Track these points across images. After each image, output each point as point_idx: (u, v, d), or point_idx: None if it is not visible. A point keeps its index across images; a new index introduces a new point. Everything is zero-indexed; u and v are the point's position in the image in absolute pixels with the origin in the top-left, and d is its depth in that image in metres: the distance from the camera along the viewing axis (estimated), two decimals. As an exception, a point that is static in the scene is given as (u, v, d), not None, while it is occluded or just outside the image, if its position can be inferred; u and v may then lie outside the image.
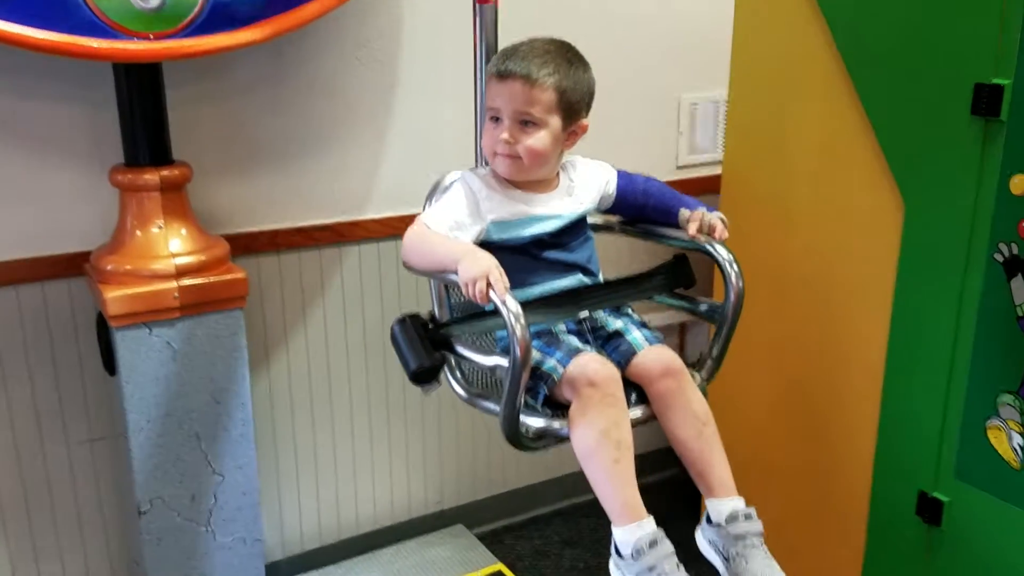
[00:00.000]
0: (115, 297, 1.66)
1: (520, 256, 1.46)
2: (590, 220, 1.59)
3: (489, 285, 1.25)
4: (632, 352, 1.43)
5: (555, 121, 1.43)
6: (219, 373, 1.80)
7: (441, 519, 2.48)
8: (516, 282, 1.44)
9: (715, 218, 1.48)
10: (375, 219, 2.17)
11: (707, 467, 1.41)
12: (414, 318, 1.37)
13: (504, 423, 1.31)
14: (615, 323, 1.49)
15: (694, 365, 1.50)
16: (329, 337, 2.18)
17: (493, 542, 2.46)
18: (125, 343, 1.70)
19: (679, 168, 2.61)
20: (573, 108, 1.44)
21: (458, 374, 1.52)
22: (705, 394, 1.47)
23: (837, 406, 1.97)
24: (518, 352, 1.22)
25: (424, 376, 1.33)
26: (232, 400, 1.82)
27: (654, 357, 1.42)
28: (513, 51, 1.44)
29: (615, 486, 1.31)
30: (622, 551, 1.31)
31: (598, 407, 1.32)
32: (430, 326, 1.37)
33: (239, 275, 1.77)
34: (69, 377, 1.91)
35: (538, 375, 1.38)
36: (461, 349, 1.38)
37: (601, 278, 1.56)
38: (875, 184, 1.79)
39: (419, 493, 2.43)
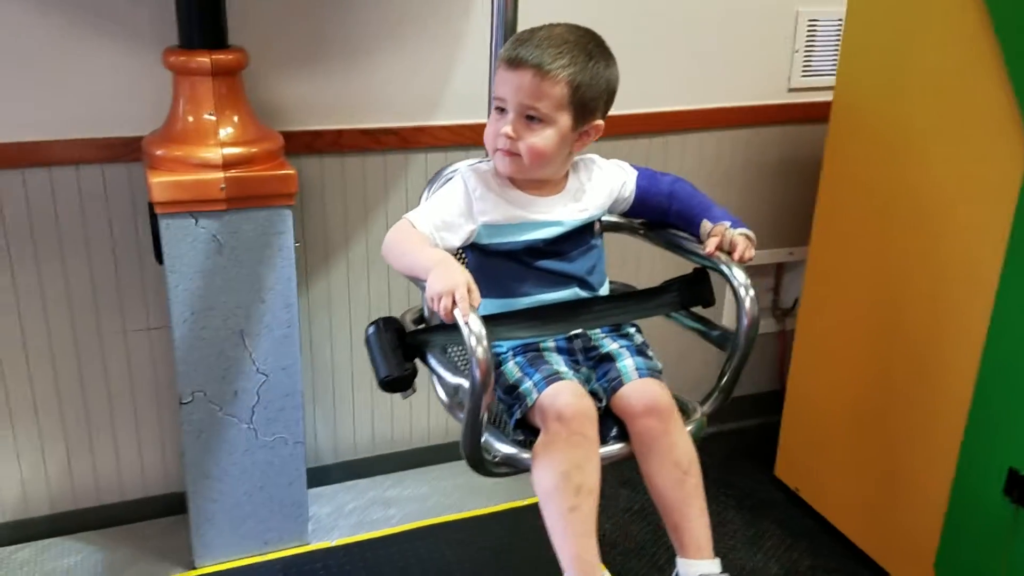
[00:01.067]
0: (160, 183, 1.62)
1: (511, 263, 1.35)
2: (609, 219, 1.47)
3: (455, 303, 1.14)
4: (619, 383, 1.30)
5: (564, 119, 1.29)
6: (265, 271, 1.75)
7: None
8: (505, 291, 1.35)
9: (738, 236, 1.32)
10: (444, 126, 2.05)
11: (683, 521, 1.27)
12: (389, 322, 1.26)
13: (463, 446, 1.20)
14: (610, 345, 1.36)
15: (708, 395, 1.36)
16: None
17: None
18: (170, 232, 1.67)
19: (790, 91, 2.38)
20: (587, 106, 1.30)
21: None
22: (699, 432, 1.32)
23: (935, 358, 1.78)
24: (477, 376, 1.10)
25: (394, 386, 1.23)
26: (278, 300, 1.77)
27: (639, 392, 1.28)
28: (528, 37, 1.29)
29: (567, 536, 1.20)
30: None
31: (563, 446, 1.20)
32: (407, 332, 1.27)
33: (288, 172, 1.70)
34: (127, 264, 1.91)
35: (515, 395, 1.28)
36: (432, 361, 1.27)
37: (604, 291, 1.42)
38: (999, 120, 1.57)
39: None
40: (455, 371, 1.25)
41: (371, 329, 1.24)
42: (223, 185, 1.64)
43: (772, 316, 2.61)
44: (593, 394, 1.31)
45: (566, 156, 1.35)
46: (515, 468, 1.25)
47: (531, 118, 1.28)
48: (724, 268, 1.30)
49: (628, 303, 1.38)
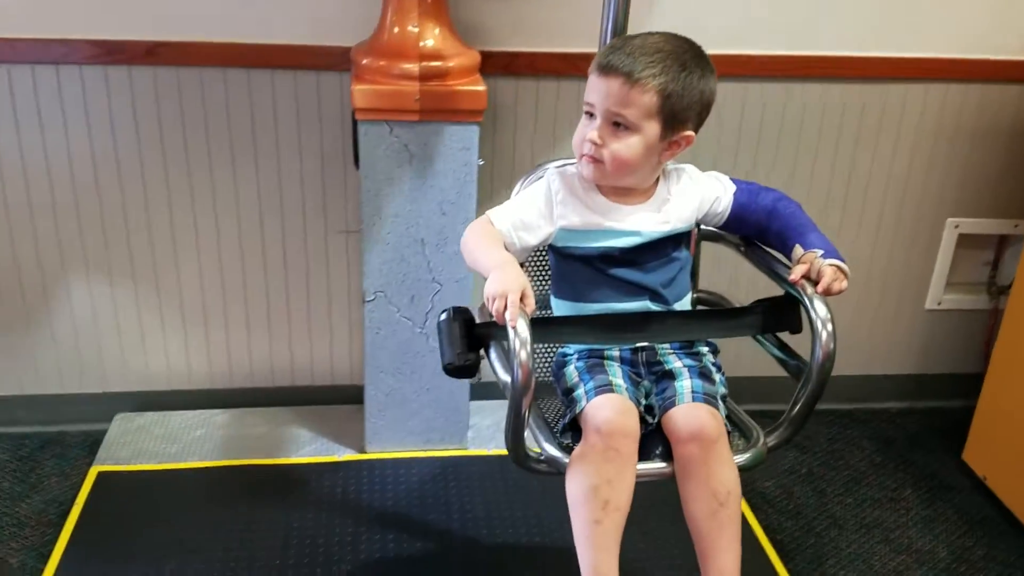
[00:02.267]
0: (361, 91, 1.71)
1: (586, 268, 1.36)
2: (708, 230, 1.45)
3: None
4: (672, 403, 1.28)
5: (652, 128, 1.27)
6: (448, 185, 1.82)
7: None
8: (577, 294, 1.37)
9: (828, 267, 1.26)
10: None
11: (710, 551, 1.26)
12: (460, 312, 1.27)
13: (507, 439, 1.22)
14: (674, 363, 1.34)
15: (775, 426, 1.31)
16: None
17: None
18: (367, 138, 1.77)
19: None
20: (677, 117, 1.28)
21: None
22: (756, 462, 1.29)
23: None
24: (518, 379, 1.13)
25: (455, 373, 1.25)
26: (458, 214, 1.84)
27: (686, 416, 1.26)
28: (622, 44, 1.26)
29: (588, 547, 1.22)
30: None
31: (596, 459, 1.22)
32: (475, 323, 1.27)
33: (478, 88, 1.74)
34: (333, 169, 2.04)
35: (570, 399, 1.31)
36: (492, 355, 1.27)
37: (684, 304, 1.39)
38: None
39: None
40: (508, 368, 1.25)
41: (443, 316, 1.27)
42: (418, 96, 1.71)
43: (987, 292, 2.37)
44: (649, 409, 1.31)
45: (653, 165, 1.34)
46: (555, 470, 1.27)
47: (618, 125, 1.27)
48: (805, 298, 1.26)
49: (701, 321, 1.37)
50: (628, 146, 1.28)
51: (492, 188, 2.09)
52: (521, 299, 1.16)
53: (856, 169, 2.21)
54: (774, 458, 2.19)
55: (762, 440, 1.32)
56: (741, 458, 1.30)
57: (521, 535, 1.84)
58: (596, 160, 1.30)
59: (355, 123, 1.79)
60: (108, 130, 1.94)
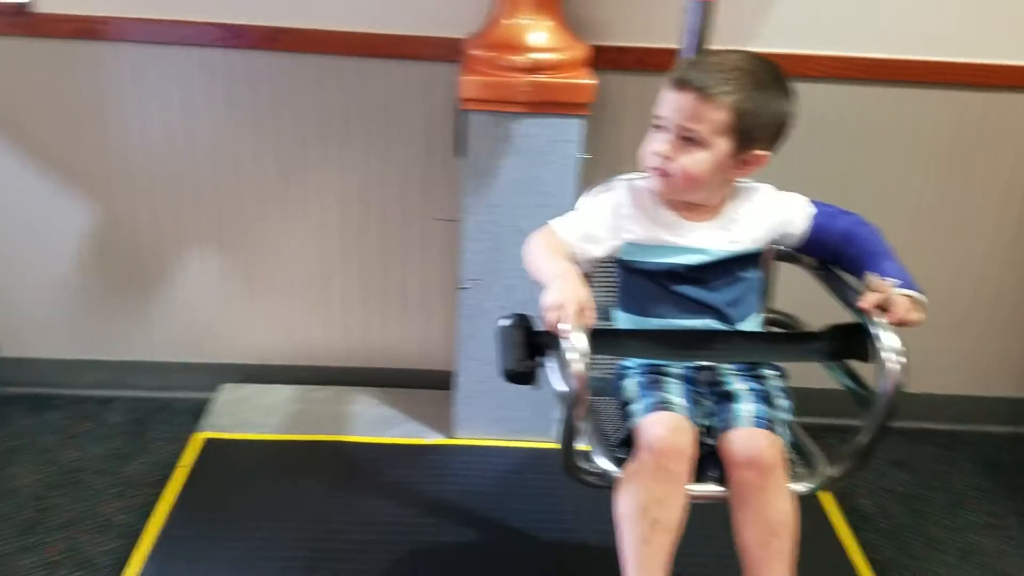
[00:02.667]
0: (469, 81, 1.73)
1: (650, 283, 1.36)
2: (783, 250, 1.43)
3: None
4: (730, 426, 1.27)
5: (722, 144, 1.27)
6: (550, 177, 1.82)
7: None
8: (640, 308, 1.37)
9: (901, 298, 1.22)
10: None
11: None
12: (521, 319, 1.26)
13: (560, 449, 1.23)
14: (736, 384, 1.32)
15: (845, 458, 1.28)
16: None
17: (814, 436, 2.26)
18: (472, 128, 1.79)
19: None
20: (749, 135, 1.27)
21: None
22: (818, 490, 1.27)
23: None
24: (571, 391, 1.14)
25: (513, 379, 1.24)
26: (558, 207, 1.82)
27: (743, 441, 1.24)
28: (699, 60, 1.25)
29: (635, 566, 1.22)
30: None
31: (647, 477, 1.21)
32: (535, 331, 1.25)
33: (585, 82, 1.73)
34: (437, 157, 2.08)
35: (626, 412, 1.31)
36: (549, 364, 1.24)
37: (749, 324, 1.38)
38: None
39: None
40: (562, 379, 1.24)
41: (504, 322, 1.27)
42: (524, 88, 1.72)
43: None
44: (710, 430, 1.28)
45: (721, 182, 1.32)
46: (606, 483, 1.26)
47: (688, 140, 1.26)
48: (873, 329, 1.22)
49: (767, 343, 1.34)
50: (697, 161, 1.28)
51: (594, 181, 2.08)
52: (580, 311, 1.16)
53: (972, 178, 2.10)
54: (875, 475, 2.14)
55: (825, 470, 1.29)
56: (801, 487, 1.28)
57: (605, 533, 1.83)
58: (665, 174, 1.30)
59: (460, 112, 1.81)
60: (226, 111, 2.02)
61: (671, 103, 1.28)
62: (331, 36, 1.94)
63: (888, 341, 1.20)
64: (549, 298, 1.19)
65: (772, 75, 1.29)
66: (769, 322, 1.52)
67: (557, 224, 1.38)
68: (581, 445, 1.26)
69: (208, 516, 1.82)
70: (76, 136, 2.03)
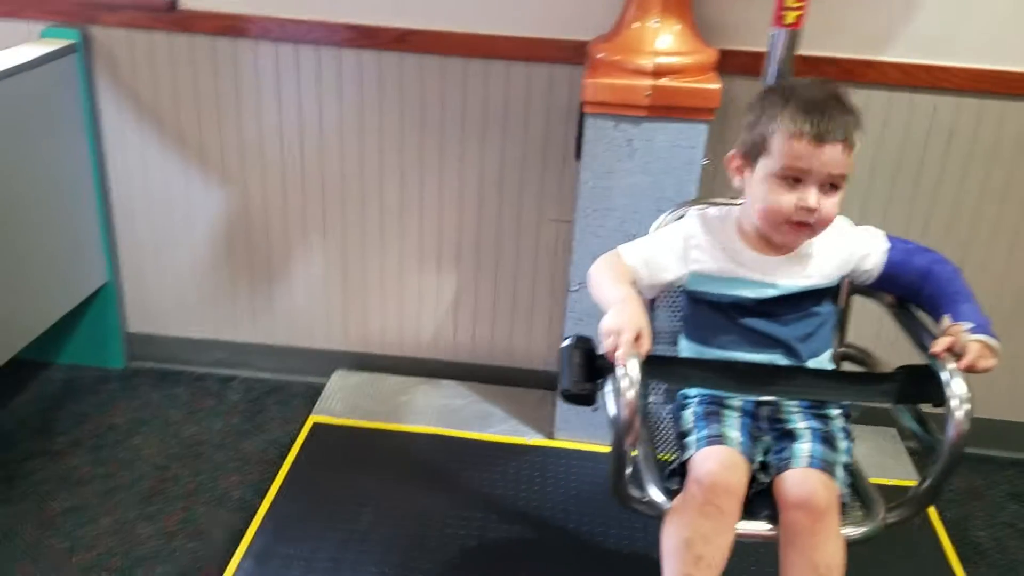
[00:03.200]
0: (593, 83, 1.74)
1: (716, 314, 1.35)
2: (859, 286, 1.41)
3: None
4: (787, 465, 1.25)
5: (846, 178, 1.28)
6: (669, 183, 1.81)
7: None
8: (703, 339, 1.36)
9: (974, 342, 1.19)
10: (894, 63, 1.90)
11: None
12: (582, 341, 1.26)
13: (609, 476, 1.23)
14: (797, 423, 1.30)
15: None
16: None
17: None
18: (592, 130, 1.79)
19: None
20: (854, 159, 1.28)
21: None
22: (872, 535, 1.23)
23: None
24: (623, 418, 1.14)
25: (573, 399, 1.24)
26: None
27: (798, 482, 1.22)
28: (815, 106, 1.22)
29: None
30: None
31: (694, 513, 1.20)
32: (596, 354, 1.24)
33: (710, 87, 1.71)
34: (553, 159, 2.09)
35: (683, 443, 1.30)
36: (607, 387, 1.23)
37: (822, 360, 1.35)
38: None
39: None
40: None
41: (566, 343, 1.27)
42: (648, 92, 1.72)
43: None
44: (764, 467, 1.26)
45: None
46: (655, 513, 1.24)
47: (830, 186, 1.25)
48: (942, 373, 1.19)
49: (833, 382, 1.31)
50: (835, 204, 1.28)
51: (713, 188, 2.05)
52: (637, 338, 1.16)
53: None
54: (990, 508, 2.04)
55: (882, 515, 1.26)
56: (856, 531, 1.24)
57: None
58: (806, 225, 1.27)
59: (582, 115, 1.82)
60: (354, 109, 2.08)
61: (815, 158, 1.24)
62: (456, 38, 1.98)
63: (956, 388, 1.17)
64: (608, 323, 1.20)
65: (847, 96, 1.29)
66: (842, 356, 1.49)
67: (625, 249, 1.38)
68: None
69: (316, 496, 1.88)
70: (215, 128, 2.14)
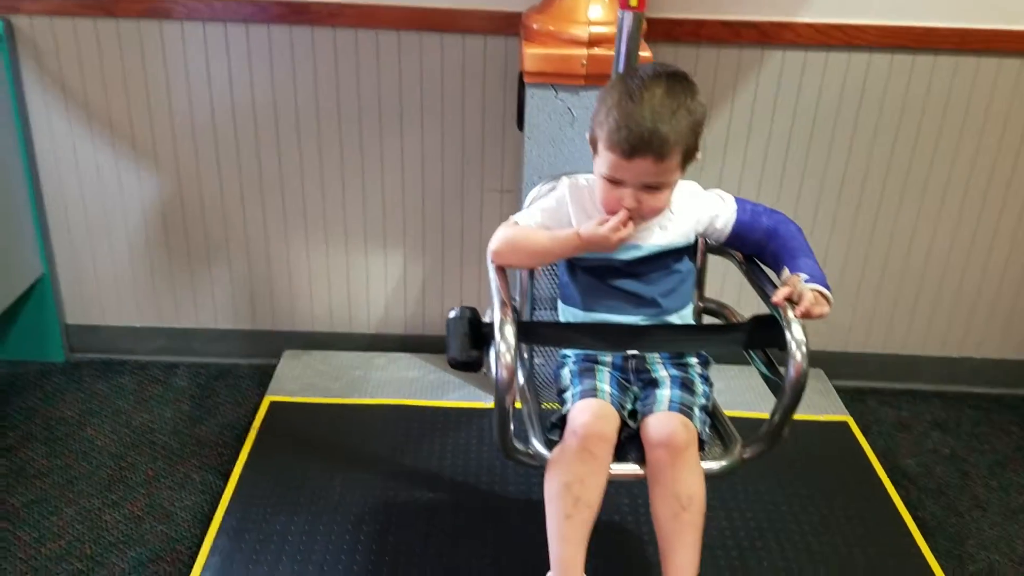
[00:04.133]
0: (532, 54, 1.78)
1: (590, 278, 1.45)
2: (713, 245, 1.52)
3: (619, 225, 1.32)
4: (650, 410, 1.38)
5: (677, 174, 1.35)
6: (608, 147, 1.87)
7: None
8: (582, 303, 1.46)
9: (808, 291, 1.31)
10: (809, 23, 2.00)
11: (670, 552, 1.36)
12: (467, 311, 1.35)
13: (494, 431, 1.33)
14: (660, 372, 1.44)
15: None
16: (729, 143, 2.13)
17: (853, 398, 2.33)
18: (533, 101, 1.84)
19: None
20: (690, 153, 1.34)
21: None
22: (732, 469, 1.37)
23: None
24: (500, 378, 1.23)
25: (460, 366, 1.34)
26: (615, 176, 1.89)
27: (659, 424, 1.35)
28: (629, 119, 1.27)
29: (558, 540, 1.33)
30: None
31: (571, 459, 1.32)
32: (481, 323, 1.35)
33: (645, 53, 1.77)
34: (492, 129, 2.14)
35: (561, 399, 1.42)
36: (490, 353, 1.32)
37: (686, 313, 1.47)
38: None
39: (787, 325, 2.36)
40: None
41: (451, 314, 1.36)
42: (584, 61, 1.77)
43: None
44: (633, 414, 1.40)
45: None
46: (539, 464, 1.37)
47: (651, 187, 1.33)
48: (783, 320, 1.30)
49: (687, 335, 1.45)
50: (663, 200, 1.37)
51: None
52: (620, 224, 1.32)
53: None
54: (917, 437, 2.20)
55: (739, 451, 1.39)
56: (716, 465, 1.38)
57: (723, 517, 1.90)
58: (633, 218, 1.36)
59: (522, 85, 1.87)
60: (289, 84, 2.08)
61: (626, 170, 1.31)
62: (389, 11, 2.00)
63: (796, 332, 1.28)
64: (589, 231, 1.33)
65: (683, 88, 1.31)
66: (703, 310, 1.62)
67: (520, 217, 1.47)
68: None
69: (282, 474, 1.90)
70: (146, 113, 2.11)
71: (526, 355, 1.59)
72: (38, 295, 2.27)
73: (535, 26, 1.83)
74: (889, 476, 2.01)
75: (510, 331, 1.25)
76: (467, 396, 2.20)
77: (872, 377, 2.41)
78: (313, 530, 1.75)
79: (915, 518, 1.89)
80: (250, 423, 2.09)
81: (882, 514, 1.88)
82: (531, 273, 1.58)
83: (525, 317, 1.59)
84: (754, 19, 2.00)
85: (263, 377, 2.28)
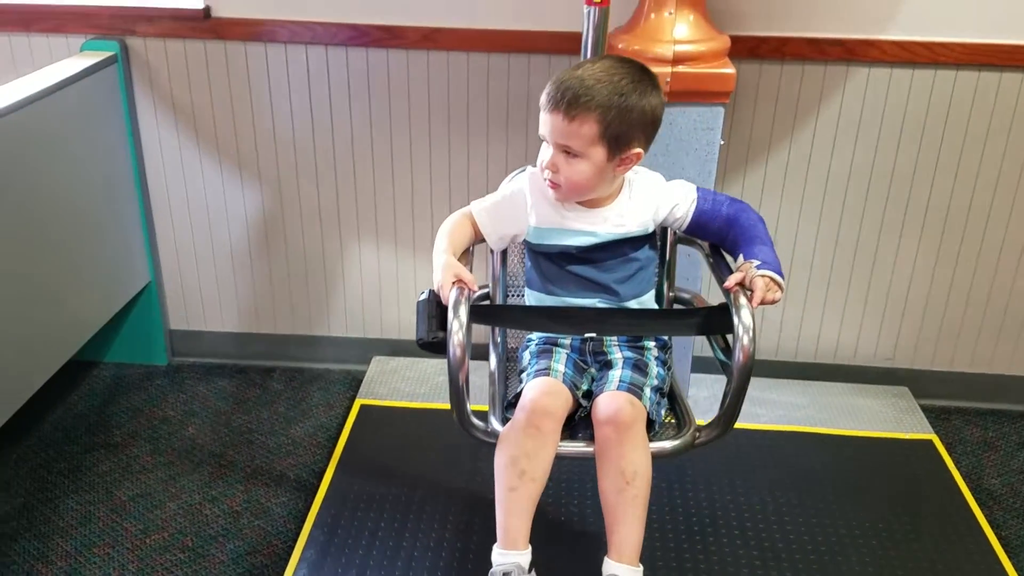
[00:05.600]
0: (617, 73, 1.84)
1: (549, 263, 1.51)
2: (681, 235, 1.55)
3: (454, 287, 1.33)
4: (602, 390, 1.42)
5: (598, 153, 1.38)
6: (691, 163, 1.91)
7: (887, 377, 2.37)
8: (541, 287, 1.52)
9: (759, 279, 1.34)
10: (894, 40, 2.01)
11: (614, 525, 1.39)
12: (435, 294, 1.38)
13: (452, 408, 1.37)
14: (615, 355, 1.50)
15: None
16: (813, 159, 2.14)
17: (938, 417, 2.30)
18: (617, 117, 1.89)
19: None
20: (620, 139, 1.37)
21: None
22: (683, 449, 1.41)
23: None
24: (452, 356, 1.28)
25: (428, 347, 1.36)
26: (698, 191, 1.93)
27: (607, 403, 1.39)
28: (564, 78, 1.34)
29: (503, 511, 1.38)
30: (491, 570, 1.38)
31: (518, 434, 1.37)
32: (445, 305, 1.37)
33: (728, 71, 1.82)
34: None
35: (520, 378, 1.48)
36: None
37: (645, 300, 1.51)
38: None
39: (869, 342, 2.35)
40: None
41: (421, 296, 1.40)
42: (668, 79, 1.82)
43: None
44: (588, 394, 1.44)
45: (609, 180, 1.44)
46: (494, 439, 1.41)
47: (569, 153, 1.37)
48: (732, 306, 1.32)
49: (643, 320, 1.48)
50: (579, 172, 1.40)
51: (726, 167, 2.17)
52: (457, 282, 1.33)
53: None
54: (1003, 456, 2.16)
55: (691, 433, 1.43)
56: (669, 445, 1.42)
57: (731, 509, 1.92)
58: (555, 184, 1.42)
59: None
60: (381, 106, 2.18)
61: (546, 124, 1.39)
62: (479, 34, 2.08)
63: (743, 317, 1.30)
64: (437, 278, 1.37)
65: (632, 78, 1.37)
66: (673, 299, 1.66)
67: (475, 205, 1.52)
68: (479, 406, 1.43)
69: (372, 475, 1.99)
70: (250, 130, 2.24)
71: (499, 339, 1.63)
72: (144, 302, 2.41)
73: (620, 46, 1.88)
74: (974, 495, 1.98)
75: (463, 310, 1.31)
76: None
77: (958, 396, 2.38)
78: (401, 527, 1.83)
79: (999, 538, 1.87)
80: (342, 425, 2.19)
81: (966, 533, 1.86)
82: (503, 259, 1.62)
83: (499, 300, 1.63)
84: (839, 36, 2.02)
85: (353, 382, 2.37)
